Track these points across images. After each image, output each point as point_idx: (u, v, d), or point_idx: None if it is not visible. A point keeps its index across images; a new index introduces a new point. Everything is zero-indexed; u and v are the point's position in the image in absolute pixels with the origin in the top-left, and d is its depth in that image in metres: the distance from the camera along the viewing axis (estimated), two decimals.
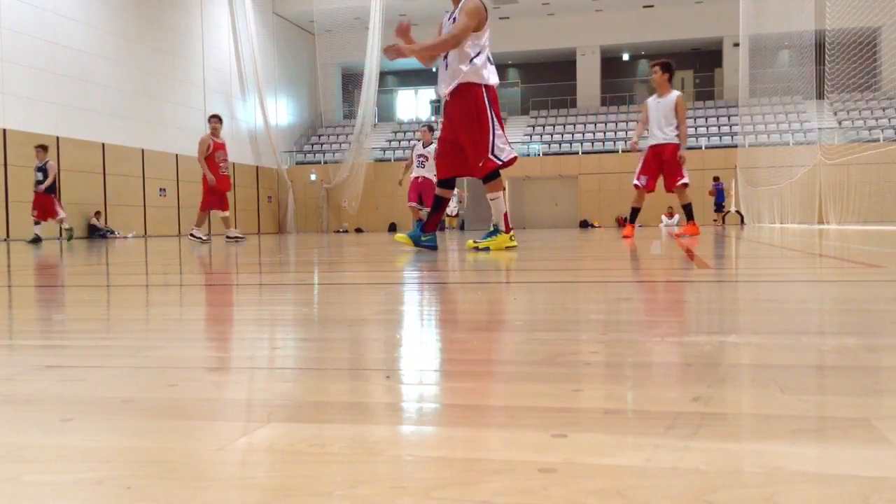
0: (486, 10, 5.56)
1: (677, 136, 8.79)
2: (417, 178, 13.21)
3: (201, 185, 11.79)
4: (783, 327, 1.56)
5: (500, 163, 5.62)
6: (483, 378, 1.07)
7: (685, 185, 8.86)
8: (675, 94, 8.79)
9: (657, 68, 8.73)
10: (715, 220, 24.56)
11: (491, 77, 5.61)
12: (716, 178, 25.33)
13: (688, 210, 9.07)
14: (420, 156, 13.14)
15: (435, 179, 13.30)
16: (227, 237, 11.76)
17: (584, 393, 0.96)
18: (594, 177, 28.97)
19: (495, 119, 5.59)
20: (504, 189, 5.94)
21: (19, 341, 1.63)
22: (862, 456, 0.67)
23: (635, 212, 9.18)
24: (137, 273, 4.36)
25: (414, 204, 13.17)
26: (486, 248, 5.74)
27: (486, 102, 5.56)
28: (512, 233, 6.01)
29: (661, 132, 8.84)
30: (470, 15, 5.44)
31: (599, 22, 32.86)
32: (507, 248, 5.80)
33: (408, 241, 6.03)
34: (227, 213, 11.79)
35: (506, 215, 5.88)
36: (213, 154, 11.45)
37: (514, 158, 5.74)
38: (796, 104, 29.59)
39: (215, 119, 11.57)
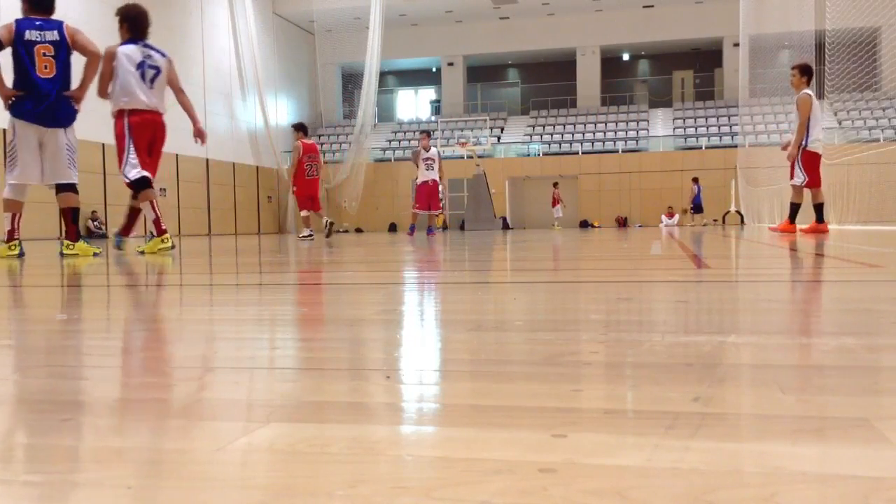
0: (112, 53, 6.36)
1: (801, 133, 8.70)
2: (427, 181, 13.42)
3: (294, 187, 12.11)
4: (783, 327, 1.56)
5: (128, 180, 6.53)
6: (483, 378, 1.07)
7: (795, 185, 8.79)
8: (801, 93, 8.72)
9: (794, 70, 8.80)
10: (695, 223, 24.59)
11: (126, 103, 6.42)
12: (695, 179, 25.42)
13: (792, 208, 8.98)
14: (427, 159, 13.40)
15: (438, 181, 13.42)
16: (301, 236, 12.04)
17: (584, 393, 0.96)
18: (594, 177, 28.96)
19: (131, 142, 6.54)
20: (153, 199, 6.57)
21: (19, 341, 1.63)
22: (862, 456, 0.67)
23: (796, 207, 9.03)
24: (137, 273, 4.36)
25: (423, 211, 13.45)
26: (142, 252, 6.40)
27: (125, 128, 6.48)
28: (166, 235, 6.52)
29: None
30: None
31: (599, 22, 32.85)
32: (159, 249, 6.38)
33: None
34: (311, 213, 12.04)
35: (157, 220, 6.52)
36: (303, 158, 11.83)
37: (140, 180, 6.48)
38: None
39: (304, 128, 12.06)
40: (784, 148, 9.22)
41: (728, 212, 25.45)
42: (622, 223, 28.08)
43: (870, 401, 0.89)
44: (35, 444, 0.77)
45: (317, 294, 2.75)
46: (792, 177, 8.87)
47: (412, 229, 14.13)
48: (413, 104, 38.24)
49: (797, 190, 8.82)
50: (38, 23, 5.94)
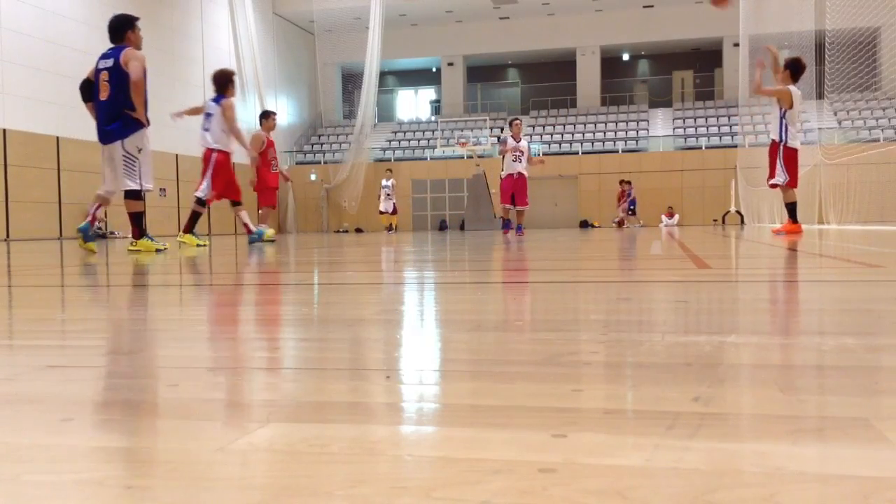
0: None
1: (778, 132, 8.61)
2: (512, 174, 11.82)
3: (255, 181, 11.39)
4: (783, 327, 1.56)
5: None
6: (483, 378, 1.07)
7: (779, 185, 8.73)
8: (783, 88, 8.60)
9: (784, 74, 8.69)
10: (620, 223, 24.64)
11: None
12: (626, 182, 25.51)
13: (789, 208, 8.91)
14: (515, 149, 11.81)
15: (527, 174, 11.91)
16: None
17: (584, 393, 0.96)
18: (594, 177, 28.96)
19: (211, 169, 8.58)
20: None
21: (19, 341, 1.63)
22: (862, 456, 0.67)
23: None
24: (138, 273, 4.36)
25: (508, 206, 11.91)
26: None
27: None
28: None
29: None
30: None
31: (599, 22, 32.84)
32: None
33: None
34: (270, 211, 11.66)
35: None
36: (266, 151, 11.25)
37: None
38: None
39: (274, 115, 11.37)
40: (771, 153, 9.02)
41: (728, 212, 25.45)
42: (622, 223, 28.07)
43: (870, 401, 0.89)
44: (35, 443, 0.77)
45: (317, 294, 2.75)
46: (773, 175, 8.76)
47: (507, 225, 12.34)
48: (413, 104, 38.23)
49: (785, 189, 8.76)
50: (107, 52, 6.83)
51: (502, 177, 12.16)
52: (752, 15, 23.61)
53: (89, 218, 6.98)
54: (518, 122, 12.19)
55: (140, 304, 2.48)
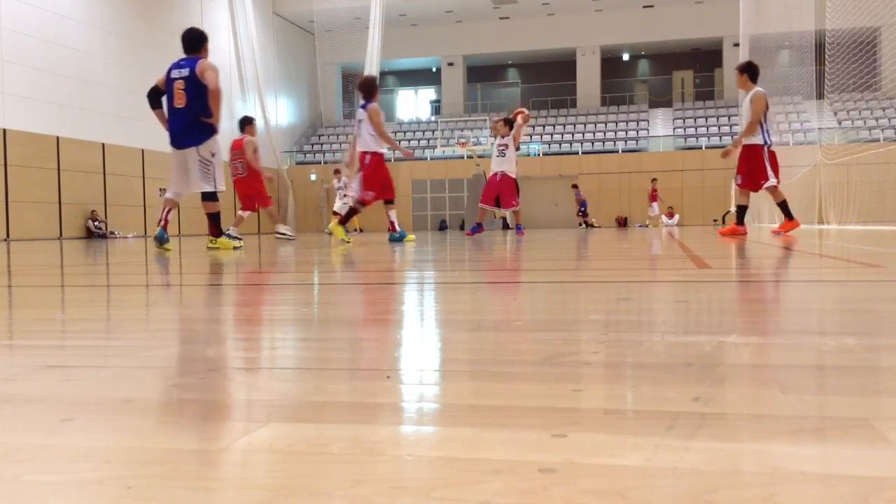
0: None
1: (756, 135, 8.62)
2: (496, 174, 11.52)
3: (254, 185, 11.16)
4: (783, 327, 1.56)
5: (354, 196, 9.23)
6: (483, 378, 1.07)
7: (771, 186, 8.71)
8: (754, 90, 8.58)
9: (736, 72, 8.76)
10: (580, 224, 24.85)
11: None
12: (574, 186, 25.71)
13: (782, 207, 8.90)
14: (501, 146, 11.53)
15: (513, 175, 11.73)
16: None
17: (584, 393, 0.96)
18: (594, 177, 28.96)
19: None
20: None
21: (19, 341, 1.63)
22: (862, 456, 0.67)
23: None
24: (138, 273, 4.36)
25: (486, 206, 11.58)
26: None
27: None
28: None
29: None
30: None
31: (599, 22, 32.85)
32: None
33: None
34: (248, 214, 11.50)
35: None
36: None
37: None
38: (796, 104, 29.59)
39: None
40: (725, 155, 9.05)
41: (728, 212, 25.44)
42: (622, 223, 28.08)
43: (870, 401, 0.89)
44: (35, 443, 0.77)
45: (317, 294, 2.75)
46: (765, 178, 8.69)
47: (476, 228, 11.83)
48: (413, 104, 38.23)
49: (774, 191, 8.74)
50: (181, 63, 7.17)
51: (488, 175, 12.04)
52: (752, 15, 23.61)
53: (162, 223, 7.27)
54: (498, 121, 11.89)
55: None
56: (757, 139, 8.60)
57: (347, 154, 9.59)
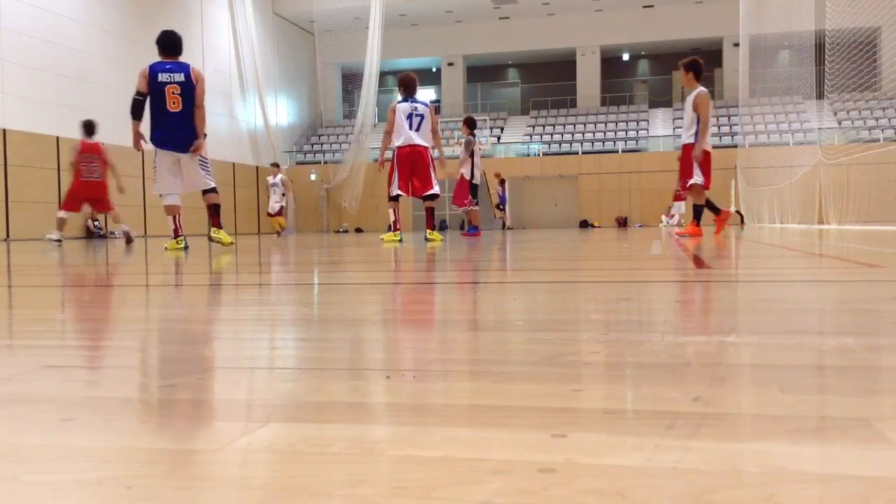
0: None
1: (693, 134, 8.64)
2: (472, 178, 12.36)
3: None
4: (783, 327, 1.56)
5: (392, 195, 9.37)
6: (483, 378, 1.07)
7: (696, 184, 8.70)
8: (698, 91, 8.60)
9: (681, 69, 8.74)
10: (496, 217, 24.62)
11: None
12: (502, 181, 25.53)
13: (696, 210, 8.91)
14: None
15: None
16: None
17: (584, 393, 0.96)
18: (594, 177, 28.96)
19: (396, 169, 9.11)
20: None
21: (19, 341, 1.63)
22: (862, 456, 0.67)
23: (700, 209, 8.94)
24: (137, 273, 4.36)
25: (471, 207, 12.23)
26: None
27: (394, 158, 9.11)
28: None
29: (685, 132, 8.82)
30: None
31: (599, 22, 32.84)
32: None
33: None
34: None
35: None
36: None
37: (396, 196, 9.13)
38: (796, 104, 29.59)
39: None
40: (683, 158, 8.95)
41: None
42: (622, 223, 28.08)
43: (870, 401, 0.89)
44: (35, 443, 0.77)
45: (317, 294, 2.75)
46: (690, 176, 8.69)
47: (476, 230, 12.62)
48: None
49: (698, 190, 8.73)
50: (169, 66, 7.24)
51: (461, 176, 12.61)
52: (752, 15, 23.61)
53: (179, 232, 7.54)
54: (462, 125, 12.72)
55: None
56: (689, 139, 8.65)
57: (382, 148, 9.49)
